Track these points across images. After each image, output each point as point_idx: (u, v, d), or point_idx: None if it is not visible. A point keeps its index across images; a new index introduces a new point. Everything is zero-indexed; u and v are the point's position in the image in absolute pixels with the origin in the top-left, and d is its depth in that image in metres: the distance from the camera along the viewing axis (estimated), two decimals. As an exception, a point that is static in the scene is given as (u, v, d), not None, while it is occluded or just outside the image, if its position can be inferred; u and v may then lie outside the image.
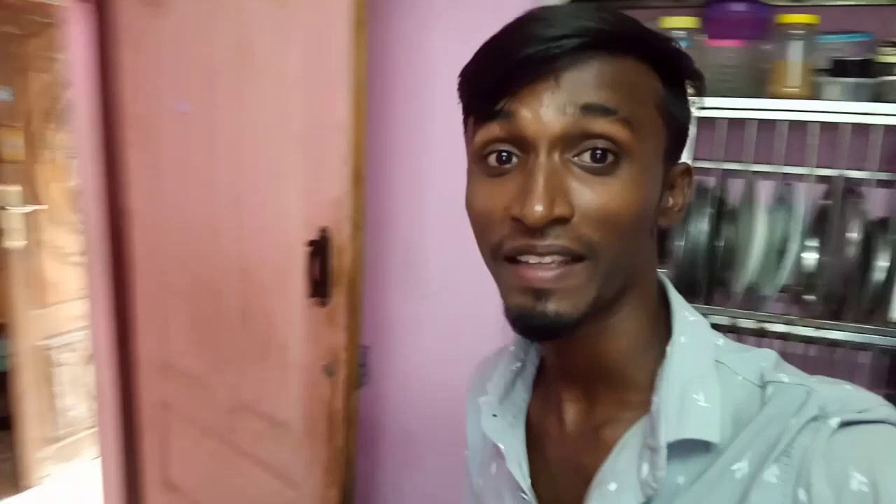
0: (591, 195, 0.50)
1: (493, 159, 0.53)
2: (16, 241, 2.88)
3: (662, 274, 0.63)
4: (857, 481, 0.45)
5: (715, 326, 1.33)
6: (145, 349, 1.92)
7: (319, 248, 1.36)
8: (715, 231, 1.37)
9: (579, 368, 0.60)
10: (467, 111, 0.57)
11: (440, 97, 1.48)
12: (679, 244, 1.37)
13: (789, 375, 0.53)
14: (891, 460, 0.46)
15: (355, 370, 1.37)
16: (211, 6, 1.55)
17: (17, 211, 2.87)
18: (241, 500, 1.67)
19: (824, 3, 1.40)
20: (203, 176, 1.64)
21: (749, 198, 1.36)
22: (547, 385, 0.66)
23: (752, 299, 1.39)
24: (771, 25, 1.35)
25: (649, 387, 0.56)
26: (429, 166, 1.52)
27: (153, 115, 1.77)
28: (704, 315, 1.29)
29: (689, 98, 0.57)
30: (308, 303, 1.40)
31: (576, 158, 0.50)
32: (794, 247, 1.32)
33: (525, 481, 0.62)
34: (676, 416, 0.52)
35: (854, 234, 1.27)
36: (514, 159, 0.52)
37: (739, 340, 1.30)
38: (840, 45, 1.36)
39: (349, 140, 1.29)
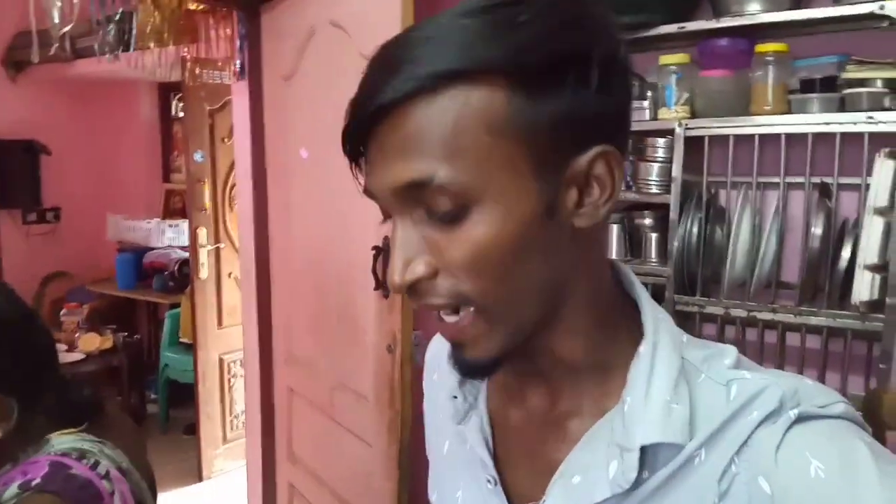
0: (444, 249, 0.49)
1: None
2: (203, 274, 3.61)
3: (624, 266, 0.62)
4: (815, 467, 0.46)
5: (709, 316, 1.55)
6: (278, 344, 2.42)
7: (383, 252, 1.76)
8: (705, 233, 1.58)
9: (540, 367, 0.60)
10: None
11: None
12: (675, 245, 1.60)
13: (751, 371, 0.54)
14: (847, 452, 0.47)
15: (409, 348, 1.74)
16: (325, 75, 2.04)
17: (206, 248, 3.60)
18: (339, 463, 2.08)
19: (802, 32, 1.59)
20: (315, 205, 2.12)
21: (736, 203, 1.57)
22: (505, 370, 0.63)
23: (740, 291, 1.57)
24: (752, 55, 1.58)
25: (619, 382, 0.56)
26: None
27: (286, 161, 2.30)
28: (701, 307, 1.53)
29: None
30: (376, 295, 1.80)
31: (423, 216, 0.50)
32: (771, 244, 1.51)
33: (491, 468, 0.62)
34: (651, 419, 0.52)
35: (819, 231, 1.44)
36: None
37: (733, 328, 1.50)
38: (818, 67, 1.54)
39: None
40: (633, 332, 0.58)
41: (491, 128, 0.47)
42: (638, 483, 0.52)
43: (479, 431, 0.63)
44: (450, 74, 0.46)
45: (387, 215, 0.53)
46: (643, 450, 0.51)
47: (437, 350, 0.78)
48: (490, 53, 0.47)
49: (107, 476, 0.98)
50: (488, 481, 0.62)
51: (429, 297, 0.51)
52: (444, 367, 0.68)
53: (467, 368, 0.55)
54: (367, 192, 0.53)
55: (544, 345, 0.57)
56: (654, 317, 0.57)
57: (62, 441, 1.01)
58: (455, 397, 0.65)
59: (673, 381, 0.53)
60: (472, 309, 0.51)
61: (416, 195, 0.49)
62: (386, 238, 1.75)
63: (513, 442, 0.63)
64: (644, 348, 0.55)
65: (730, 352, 0.56)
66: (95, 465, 0.98)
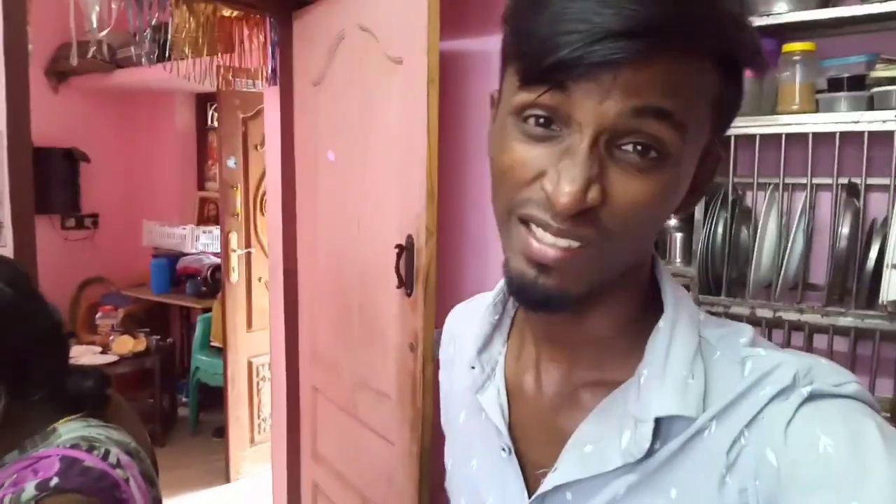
0: (625, 189, 0.49)
1: (532, 122, 0.50)
2: (234, 277, 3.66)
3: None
4: (824, 443, 0.47)
5: (734, 317, 1.54)
6: (303, 344, 2.45)
7: (406, 251, 1.78)
8: (731, 233, 1.57)
9: (566, 335, 0.60)
10: (510, 59, 0.53)
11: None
12: (699, 245, 1.58)
13: (766, 349, 0.54)
14: (856, 431, 0.47)
15: (431, 346, 1.75)
16: (350, 79, 2.08)
17: (237, 253, 3.66)
18: (362, 462, 2.09)
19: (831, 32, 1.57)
20: (340, 207, 2.15)
21: (761, 203, 1.55)
22: (522, 341, 0.66)
23: (766, 292, 1.55)
24: (780, 55, 1.56)
25: (635, 355, 0.57)
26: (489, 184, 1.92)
27: (314, 165, 2.34)
28: (726, 307, 1.52)
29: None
30: (398, 294, 1.81)
31: (619, 149, 0.49)
32: (798, 245, 1.49)
33: (506, 437, 0.62)
34: (667, 392, 0.52)
35: (846, 230, 1.41)
36: (556, 129, 0.50)
37: (758, 330, 1.48)
38: (846, 67, 1.52)
39: (425, 167, 1.71)
40: (653, 307, 0.59)
41: (712, 99, 0.50)
42: (649, 454, 0.53)
43: (495, 401, 0.64)
44: (704, 32, 0.48)
45: (526, 106, 0.50)
46: (656, 422, 0.52)
47: (456, 321, 0.80)
48: (721, 36, 0.49)
49: (118, 464, 0.98)
50: (503, 450, 0.63)
51: (577, 225, 0.49)
52: (463, 338, 0.71)
53: (546, 297, 0.52)
54: (561, 111, 0.49)
55: (587, 314, 0.58)
56: (675, 294, 0.58)
57: (69, 429, 1.00)
58: (473, 367, 0.66)
59: (690, 356, 0.54)
60: (597, 247, 0.50)
61: (639, 128, 0.48)
62: (409, 237, 1.77)
63: (528, 412, 0.63)
64: (663, 324, 0.56)
65: (746, 330, 0.56)
66: (106, 455, 0.97)
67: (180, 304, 4.53)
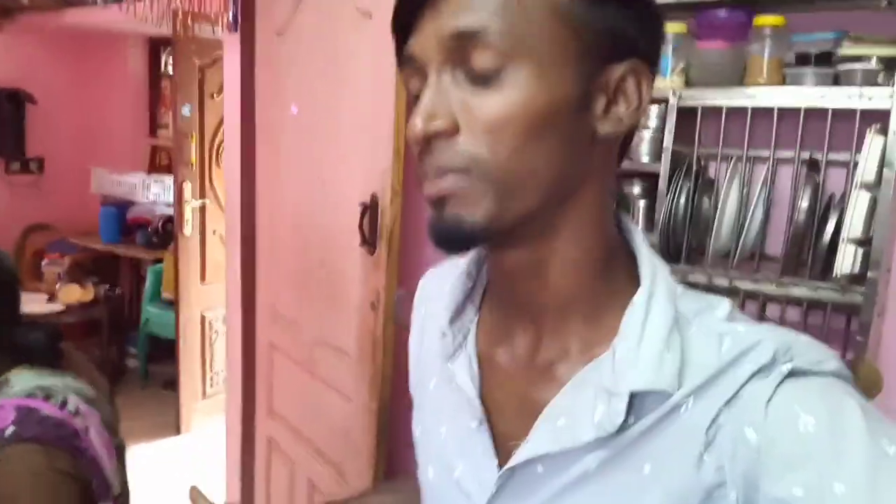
0: (473, 108, 0.51)
1: (413, 87, 0.56)
2: (188, 230, 3.58)
3: (625, 213, 0.62)
4: (804, 422, 0.46)
5: (692, 285, 1.57)
6: (261, 300, 2.42)
7: (371, 209, 1.76)
8: (693, 203, 1.59)
9: (527, 296, 0.59)
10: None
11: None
12: (662, 214, 1.60)
13: (744, 325, 0.53)
14: (836, 409, 0.47)
15: (392, 306, 1.74)
16: (314, 33, 2.02)
17: (191, 204, 3.57)
18: (319, 418, 2.09)
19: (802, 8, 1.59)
20: (303, 162, 2.11)
21: (724, 175, 1.58)
22: (493, 310, 0.66)
23: (724, 262, 1.59)
24: (750, 28, 1.57)
25: (611, 329, 0.56)
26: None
27: (275, 118, 2.28)
28: (685, 274, 1.54)
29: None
30: (361, 252, 1.80)
31: (460, 74, 0.52)
32: (757, 216, 1.52)
33: (478, 407, 0.62)
34: (643, 366, 0.52)
35: (806, 204, 1.45)
36: (422, 82, 0.54)
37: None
38: (814, 42, 1.54)
39: (393, 125, 1.68)
40: (629, 279, 0.58)
41: (552, 8, 0.51)
42: (623, 428, 0.53)
43: (466, 370, 0.63)
44: None
45: (416, 90, 0.55)
46: (631, 396, 0.52)
47: (428, 285, 0.79)
48: None
49: (77, 412, 0.95)
50: (474, 420, 0.62)
51: (442, 157, 0.52)
52: (435, 303, 0.70)
53: (447, 232, 0.53)
54: (407, 56, 0.55)
55: (538, 269, 0.57)
56: (652, 266, 0.57)
57: (21, 379, 0.97)
58: (444, 335, 0.65)
59: (666, 330, 0.53)
60: (473, 173, 0.52)
61: (462, 48, 0.51)
62: (374, 195, 1.75)
63: (500, 383, 0.63)
64: (640, 296, 0.55)
65: (723, 304, 0.56)
66: (64, 404, 0.95)
67: (130, 254, 4.43)
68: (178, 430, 3.68)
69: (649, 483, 0.52)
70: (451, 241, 0.54)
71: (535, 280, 0.58)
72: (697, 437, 0.50)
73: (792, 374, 0.49)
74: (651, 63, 0.55)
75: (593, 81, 0.53)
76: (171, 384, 3.87)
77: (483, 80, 0.51)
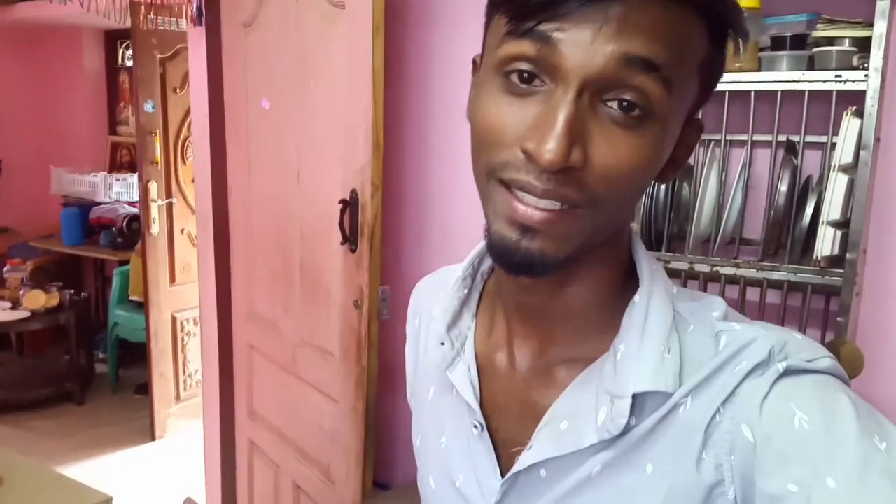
0: (608, 147, 0.47)
1: (515, 77, 0.49)
2: (155, 229, 3.50)
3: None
4: (799, 419, 0.47)
5: (674, 271, 1.57)
6: (238, 301, 2.37)
7: (351, 206, 1.73)
8: (673, 189, 1.60)
9: (541, 308, 0.59)
10: (494, 10, 0.52)
11: (441, 84, 1.86)
12: (642, 201, 1.61)
13: (740, 323, 0.54)
14: (830, 406, 0.47)
15: (376, 304, 1.72)
16: (283, 24, 1.97)
17: (157, 203, 3.48)
18: (303, 420, 2.06)
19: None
20: (277, 158, 2.06)
21: (702, 160, 1.59)
22: (492, 317, 0.65)
23: (705, 247, 1.60)
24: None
25: (610, 330, 0.56)
26: (434, 139, 1.89)
27: (245, 113, 2.23)
28: (666, 262, 1.54)
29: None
30: (342, 250, 1.77)
31: (604, 104, 0.47)
32: (737, 201, 1.53)
33: (478, 413, 0.61)
34: (645, 368, 0.52)
35: (784, 187, 1.46)
36: (539, 83, 0.48)
37: (696, 283, 1.53)
38: (788, 25, 1.55)
39: (370, 119, 1.65)
40: (627, 281, 0.58)
41: (699, 62, 0.50)
42: (625, 430, 0.53)
43: (466, 377, 0.63)
44: (697, 2, 0.48)
45: (521, 65, 0.49)
46: (633, 398, 0.52)
47: (422, 295, 0.78)
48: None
49: None
50: (474, 426, 0.62)
51: (565, 187, 0.48)
52: (430, 312, 0.68)
53: (529, 261, 0.50)
54: (545, 61, 0.47)
55: (563, 285, 0.57)
56: (650, 268, 0.58)
57: None
58: (442, 344, 0.64)
59: (667, 331, 0.54)
60: (581, 210, 0.49)
61: (626, 80, 0.46)
62: (353, 191, 1.72)
63: (500, 388, 0.62)
64: (639, 298, 0.56)
65: (718, 303, 0.56)
66: None
67: (94, 255, 4.32)
68: (152, 437, 3.60)
69: (652, 483, 0.53)
70: (526, 269, 0.51)
71: (556, 295, 0.58)
72: (697, 436, 0.51)
73: (787, 372, 0.49)
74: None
75: (680, 136, 0.54)
76: (143, 388, 3.79)
77: (625, 121, 0.47)
